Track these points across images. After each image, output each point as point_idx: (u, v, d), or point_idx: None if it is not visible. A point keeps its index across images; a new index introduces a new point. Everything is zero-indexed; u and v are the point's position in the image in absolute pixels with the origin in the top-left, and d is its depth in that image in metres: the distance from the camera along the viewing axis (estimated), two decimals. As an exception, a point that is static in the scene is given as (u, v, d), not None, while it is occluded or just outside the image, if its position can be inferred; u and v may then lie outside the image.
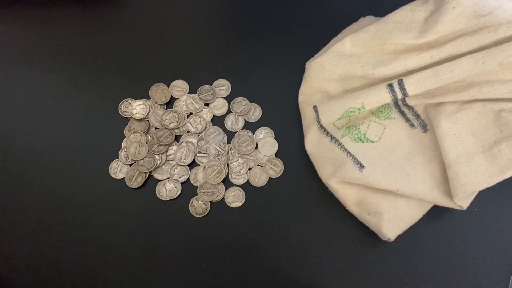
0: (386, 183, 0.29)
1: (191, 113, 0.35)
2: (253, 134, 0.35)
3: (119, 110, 0.35)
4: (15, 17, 0.39)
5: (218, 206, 0.33)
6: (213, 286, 0.31)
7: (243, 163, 0.33)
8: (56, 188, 0.33)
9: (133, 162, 0.34)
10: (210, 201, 0.33)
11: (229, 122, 0.35)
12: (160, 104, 0.36)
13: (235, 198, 0.33)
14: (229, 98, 0.36)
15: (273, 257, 0.31)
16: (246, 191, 0.33)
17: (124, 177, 0.33)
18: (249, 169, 0.34)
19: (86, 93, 0.36)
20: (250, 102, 0.36)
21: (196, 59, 0.38)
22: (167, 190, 0.33)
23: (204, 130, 0.35)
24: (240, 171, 0.33)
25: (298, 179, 0.33)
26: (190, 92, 0.36)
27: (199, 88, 0.36)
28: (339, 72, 0.32)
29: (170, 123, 0.34)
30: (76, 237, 0.32)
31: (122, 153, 0.34)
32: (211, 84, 0.36)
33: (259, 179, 0.33)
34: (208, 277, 0.31)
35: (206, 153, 0.34)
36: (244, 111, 0.35)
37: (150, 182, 0.34)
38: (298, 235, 0.32)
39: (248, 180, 0.33)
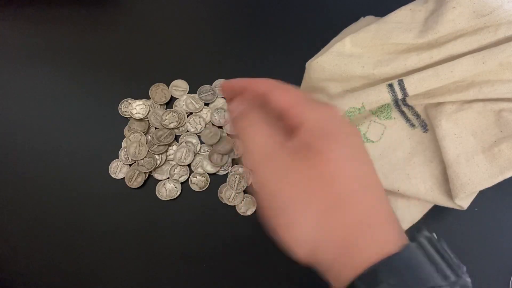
0: (386, 183, 0.29)
1: (191, 113, 0.35)
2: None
3: (119, 110, 0.35)
4: (14, 17, 0.39)
5: (227, 211, 0.33)
6: (214, 285, 0.31)
7: (243, 172, 0.33)
8: (56, 188, 0.33)
9: (133, 162, 0.34)
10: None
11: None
12: (160, 104, 0.36)
13: (247, 205, 0.33)
14: (229, 98, 0.36)
15: (274, 256, 0.31)
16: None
17: (124, 177, 0.33)
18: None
19: (86, 93, 0.36)
20: (250, 102, 0.36)
21: (196, 59, 0.38)
22: (167, 190, 0.33)
23: (203, 130, 0.35)
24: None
25: (298, 179, 0.33)
26: (190, 92, 0.36)
27: (199, 88, 0.36)
28: (339, 72, 0.32)
29: (170, 123, 0.34)
30: (76, 237, 0.32)
31: (122, 153, 0.34)
32: (211, 84, 0.36)
33: None
34: (208, 277, 0.31)
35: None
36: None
37: (150, 182, 0.34)
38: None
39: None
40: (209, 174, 0.33)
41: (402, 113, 0.31)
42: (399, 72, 0.30)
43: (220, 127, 0.35)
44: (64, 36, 0.38)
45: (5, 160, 0.34)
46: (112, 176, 0.34)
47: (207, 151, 0.34)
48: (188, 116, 0.35)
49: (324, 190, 0.19)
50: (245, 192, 0.33)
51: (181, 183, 0.33)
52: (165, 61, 0.38)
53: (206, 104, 0.36)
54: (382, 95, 0.29)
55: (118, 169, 0.34)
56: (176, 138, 0.35)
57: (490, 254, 0.31)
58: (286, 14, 0.39)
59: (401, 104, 0.31)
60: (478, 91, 0.28)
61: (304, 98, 0.21)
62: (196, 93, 0.36)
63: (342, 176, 0.19)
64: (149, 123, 0.35)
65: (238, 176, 0.33)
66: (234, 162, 0.34)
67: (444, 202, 0.29)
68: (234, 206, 0.33)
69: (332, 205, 0.18)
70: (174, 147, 0.34)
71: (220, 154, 0.33)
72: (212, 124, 0.35)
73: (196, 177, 0.33)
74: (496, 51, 0.27)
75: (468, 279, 0.17)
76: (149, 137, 0.34)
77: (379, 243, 0.18)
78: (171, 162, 0.34)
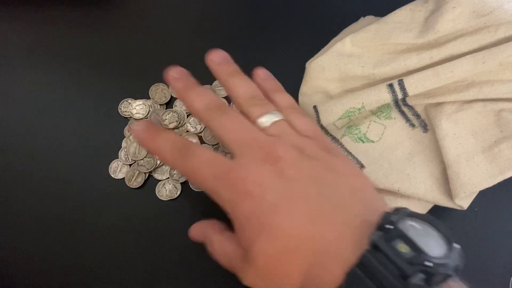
0: (386, 183, 0.29)
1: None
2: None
3: (119, 110, 0.35)
4: (14, 17, 0.39)
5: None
6: (214, 285, 0.31)
7: None
8: (55, 188, 0.33)
9: (133, 162, 0.34)
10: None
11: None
12: (160, 104, 0.36)
13: None
14: (229, 98, 0.36)
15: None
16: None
17: (124, 177, 0.33)
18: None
19: (86, 93, 0.36)
20: (250, 102, 0.36)
21: (196, 59, 0.37)
22: (167, 190, 0.33)
23: (203, 130, 0.35)
24: None
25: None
26: (190, 92, 0.36)
27: (199, 88, 0.36)
28: (339, 72, 0.32)
29: (170, 123, 0.34)
30: (76, 237, 0.32)
31: (122, 153, 0.34)
32: (211, 84, 0.36)
33: None
34: (208, 277, 0.31)
35: None
36: None
37: (150, 182, 0.34)
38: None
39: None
40: (209, 174, 0.33)
41: (402, 113, 0.31)
42: (399, 72, 0.30)
43: None
44: (64, 36, 0.38)
45: (5, 160, 0.34)
46: (112, 176, 0.34)
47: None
48: (188, 116, 0.35)
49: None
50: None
51: (181, 183, 0.33)
52: (165, 61, 0.37)
53: (206, 104, 0.36)
54: (382, 95, 0.30)
55: (118, 169, 0.34)
56: (176, 138, 0.35)
57: (490, 254, 0.31)
58: (286, 14, 0.39)
59: (401, 104, 0.31)
60: (478, 91, 0.28)
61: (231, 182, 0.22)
62: (196, 93, 0.36)
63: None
64: (149, 123, 0.35)
65: (238, 176, 0.33)
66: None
67: (444, 202, 0.29)
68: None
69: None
70: (174, 147, 0.34)
71: (224, 152, 0.33)
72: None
73: (196, 177, 0.33)
74: (496, 51, 0.27)
75: (432, 262, 0.17)
76: (149, 137, 0.34)
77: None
78: (171, 162, 0.34)
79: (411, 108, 0.31)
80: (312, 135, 0.24)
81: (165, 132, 0.25)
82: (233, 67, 0.27)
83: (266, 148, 0.22)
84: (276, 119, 0.24)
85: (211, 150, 0.23)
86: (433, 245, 0.18)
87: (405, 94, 0.29)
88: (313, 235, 0.20)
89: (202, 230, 0.26)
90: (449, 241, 0.18)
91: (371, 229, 0.19)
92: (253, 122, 0.24)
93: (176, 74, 0.27)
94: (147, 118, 0.35)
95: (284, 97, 0.27)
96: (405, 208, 0.19)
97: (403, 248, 0.17)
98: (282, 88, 0.28)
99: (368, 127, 0.31)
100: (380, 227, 0.18)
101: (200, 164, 0.23)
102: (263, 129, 0.24)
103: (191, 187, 0.33)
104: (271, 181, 0.21)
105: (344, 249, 0.19)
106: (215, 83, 0.36)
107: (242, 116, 0.24)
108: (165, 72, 0.26)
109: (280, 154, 0.22)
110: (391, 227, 0.18)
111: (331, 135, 0.31)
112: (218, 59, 0.27)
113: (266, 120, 0.24)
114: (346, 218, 0.20)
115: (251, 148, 0.22)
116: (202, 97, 0.25)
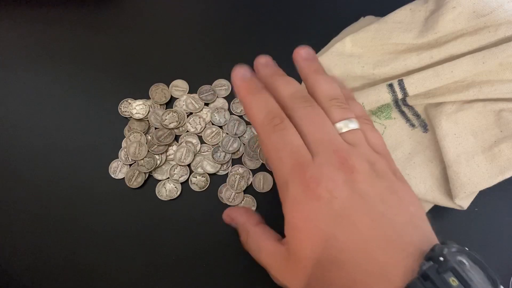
0: (386, 183, 0.29)
1: (191, 113, 0.35)
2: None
3: (119, 110, 0.35)
4: (14, 17, 0.39)
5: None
6: (214, 285, 0.31)
7: (243, 172, 0.33)
8: (55, 188, 0.33)
9: (133, 162, 0.34)
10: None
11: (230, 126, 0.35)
12: (160, 104, 0.36)
13: (247, 206, 0.33)
14: (229, 98, 0.36)
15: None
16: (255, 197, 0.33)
17: (124, 177, 0.33)
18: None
19: (86, 93, 0.36)
20: (250, 102, 0.35)
21: (196, 59, 0.38)
22: (167, 190, 0.33)
23: (203, 130, 0.35)
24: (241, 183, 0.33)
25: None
26: (190, 92, 0.36)
27: (199, 88, 0.36)
28: (339, 72, 0.32)
29: (170, 123, 0.34)
30: (76, 237, 0.32)
31: (122, 153, 0.34)
32: (211, 84, 0.36)
33: (264, 185, 0.33)
34: (208, 277, 0.31)
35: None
36: (244, 111, 0.35)
37: (150, 182, 0.34)
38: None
39: (253, 186, 0.33)
40: (209, 174, 0.33)
41: (402, 113, 0.31)
42: (399, 72, 0.30)
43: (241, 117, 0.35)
44: (64, 36, 0.38)
45: (5, 160, 0.34)
46: (112, 176, 0.34)
47: (207, 151, 0.34)
48: (188, 116, 0.35)
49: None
50: (245, 192, 0.33)
51: (181, 183, 0.33)
52: (165, 61, 0.38)
53: (206, 104, 0.36)
54: (382, 95, 0.30)
55: (118, 169, 0.34)
56: (176, 138, 0.35)
57: (490, 254, 0.31)
58: (286, 14, 0.39)
59: (401, 104, 0.31)
60: (478, 91, 0.28)
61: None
62: (196, 93, 0.36)
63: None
64: (149, 123, 0.35)
65: (238, 176, 0.33)
66: (234, 162, 0.34)
67: (444, 202, 0.29)
68: (234, 206, 0.33)
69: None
70: (174, 147, 0.34)
71: (224, 152, 0.33)
72: (212, 123, 0.35)
73: (196, 177, 0.33)
74: (496, 51, 0.27)
75: None
76: (149, 137, 0.34)
77: None
78: (171, 162, 0.34)
79: (411, 108, 0.31)
80: (382, 152, 0.24)
81: (265, 93, 0.24)
82: (319, 65, 0.27)
83: (342, 155, 0.21)
84: (354, 127, 0.23)
85: (299, 136, 0.22)
86: (480, 283, 0.18)
87: (405, 94, 0.29)
88: (366, 255, 0.20)
89: (238, 217, 0.26)
90: (495, 283, 0.19)
91: (421, 259, 0.19)
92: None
93: (264, 61, 0.26)
94: (147, 118, 0.35)
95: (357, 106, 0.26)
96: (453, 242, 0.20)
97: (453, 281, 0.17)
98: (354, 96, 0.28)
99: (368, 127, 0.31)
100: (432, 258, 0.18)
101: (284, 146, 0.22)
102: (339, 134, 0.23)
103: (191, 187, 0.33)
104: (342, 190, 0.21)
105: (394, 274, 0.19)
106: (215, 83, 0.36)
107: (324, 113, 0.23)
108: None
109: (354, 165, 0.21)
110: (443, 259, 0.18)
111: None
112: (305, 55, 0.27)
113: (344, 125, 0.23)
114: (402, 244, 0.20)
115: (327, 149, 0.22)
116: (289, 84, 0.25)
